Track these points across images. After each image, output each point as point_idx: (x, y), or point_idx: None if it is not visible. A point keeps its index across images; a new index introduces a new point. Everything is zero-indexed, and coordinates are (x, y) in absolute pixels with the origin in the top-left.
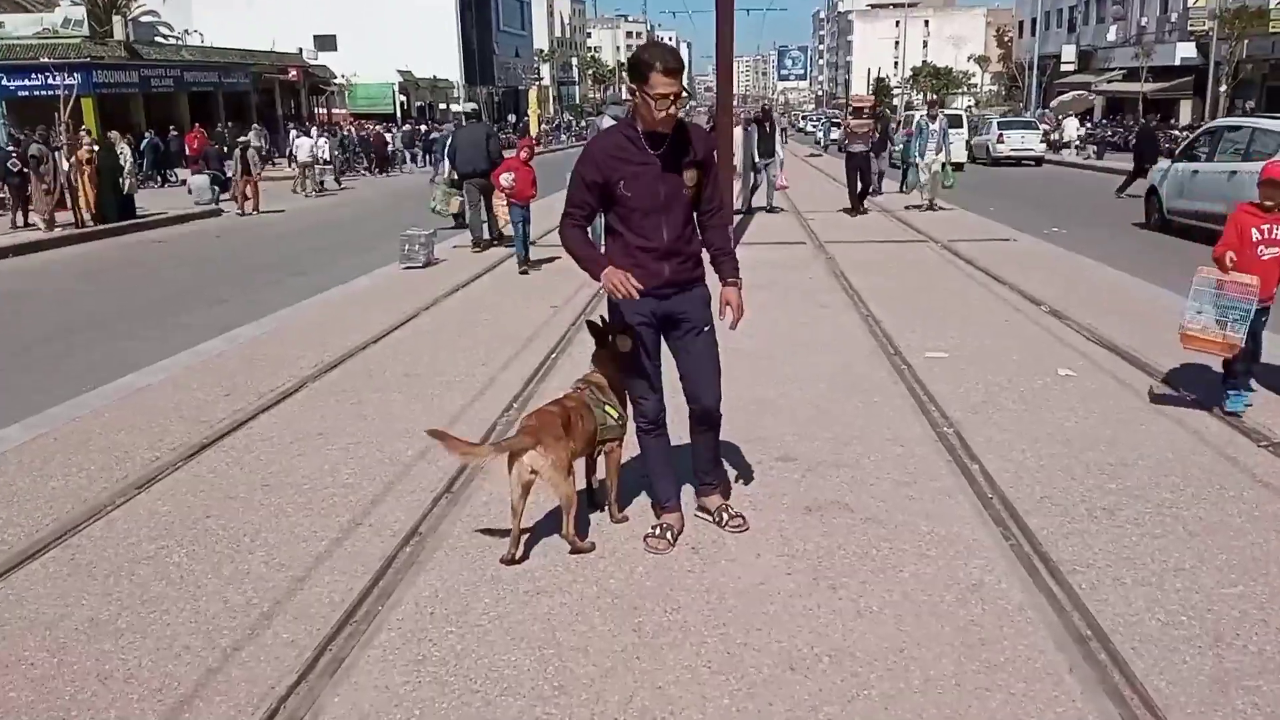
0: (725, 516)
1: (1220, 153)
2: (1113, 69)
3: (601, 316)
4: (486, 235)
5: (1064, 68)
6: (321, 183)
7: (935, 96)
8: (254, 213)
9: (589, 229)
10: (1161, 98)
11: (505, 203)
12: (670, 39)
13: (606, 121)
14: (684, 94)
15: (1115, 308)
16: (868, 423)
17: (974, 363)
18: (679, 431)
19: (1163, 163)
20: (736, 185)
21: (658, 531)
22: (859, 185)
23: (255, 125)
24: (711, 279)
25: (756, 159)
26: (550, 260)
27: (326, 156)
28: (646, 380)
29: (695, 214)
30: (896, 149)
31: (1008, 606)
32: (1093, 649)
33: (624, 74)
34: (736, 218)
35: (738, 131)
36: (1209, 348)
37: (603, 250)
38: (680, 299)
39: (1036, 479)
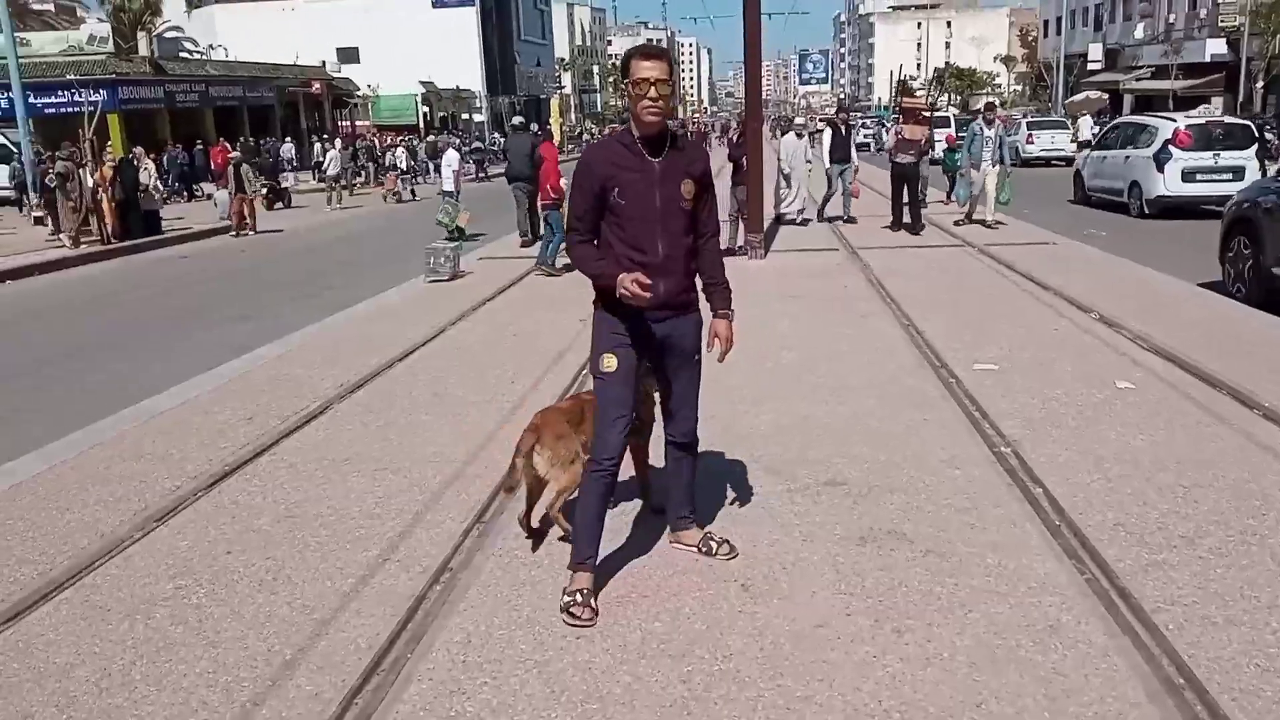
0: (713, 545)
1: (1121, 143)
2: (1141, 67)
3: None
4: (530, 234)
5: (1091, 66)
6: (413, 191)
7: (993, 99)
8: (248, 233)
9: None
10: (1192, 95)
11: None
12: (690, 45)
13: None
14: (669, 83)
15: (1165, 313)
16: (919, 442)
17: (1025, 375)
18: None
19: (1083, 151)
20: (768, 194)
21: (579, 599)
22: (906, 200)
23: (285, 138)
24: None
25: (828, 165)
26: (572, 268)
27: (404, 167)
28: (621, 407)
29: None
30: (939, 156)
31: (1090, 651)
32: (1188, 700)
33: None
34: (766, 224)
35: (789, 138)
36: None
37: None
38: (675, 323)
39: (1107, 504)
